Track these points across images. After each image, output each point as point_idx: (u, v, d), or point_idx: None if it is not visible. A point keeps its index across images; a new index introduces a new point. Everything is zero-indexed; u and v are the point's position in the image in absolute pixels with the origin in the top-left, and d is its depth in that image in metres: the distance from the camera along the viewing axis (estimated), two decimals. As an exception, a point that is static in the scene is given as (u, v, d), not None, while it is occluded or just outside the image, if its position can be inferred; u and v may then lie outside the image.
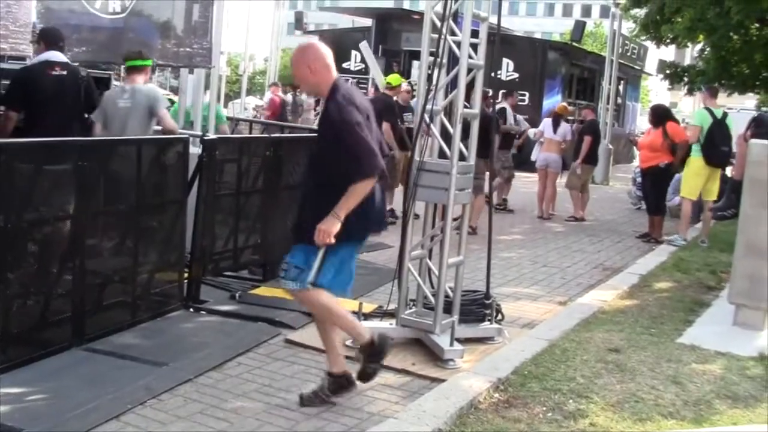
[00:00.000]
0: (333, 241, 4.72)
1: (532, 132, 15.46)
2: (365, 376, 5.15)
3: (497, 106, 15.23)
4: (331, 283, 4.95)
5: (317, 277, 4.86)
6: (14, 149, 5.48)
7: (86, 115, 7.58)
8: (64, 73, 7.41)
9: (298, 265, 4.89)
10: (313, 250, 4.83)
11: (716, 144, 11.51)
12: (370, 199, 4.87)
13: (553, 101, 25.71)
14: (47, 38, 7.63)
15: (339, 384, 5.10)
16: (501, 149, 14.96)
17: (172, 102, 12.47)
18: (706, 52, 19.49)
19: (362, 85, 26.38)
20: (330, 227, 4.70)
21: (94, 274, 6.07)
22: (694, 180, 11.62)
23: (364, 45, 22.78)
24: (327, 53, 4.97)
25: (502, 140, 14.90)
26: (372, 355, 5.11)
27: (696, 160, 11.48)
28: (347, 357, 5.30)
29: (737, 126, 12.04)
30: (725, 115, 11.63)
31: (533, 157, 15.33)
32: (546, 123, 15.01)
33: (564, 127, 14.74)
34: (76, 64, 8.10)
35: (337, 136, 4.78)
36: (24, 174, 5.36)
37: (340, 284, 5.06)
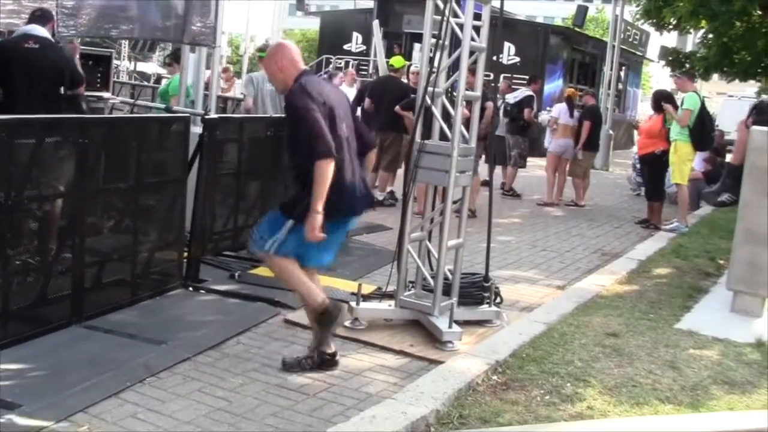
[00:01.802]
0: (323, 235, 4.94)
1: (544, 119, 15.27)
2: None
3: (523, 94, 15.22)
4: (297, 252, 5.17)
5: (279, 247, 5.11)
6: (14, 125, 5.47)
7: (63, 90, 7.37)
8: (36, 46, 7.18)
9: (262, 234, 5.20)
10: (280, 221, 5.13)
11: (707, 129, 11.55)
12: (337, 181, 5.01)
13: (554, 86, 25.72)
14: (31, 14, 7.58)
15: (323, 360, 5.29)
16: (519, 136, 14.93)
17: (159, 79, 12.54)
18: (708, 39, 19.43)
19: (363, 67, 26.36)
20: (313, 223, 4.91)
21: (94, 252, 6.07)
22: (686, 165, 11.66)
23: (376, 24, 22.77)
24: (294, 51, 5.29)
25: (520, 127, 14.88)
26: (322, 320, 5.21)
27: (684, 145, 11.46)
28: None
29: (737, 113, 12.07)
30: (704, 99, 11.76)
31: (546, 143, 15.20)
32: (560, 108, 14.70)
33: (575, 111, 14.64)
34: (72, 39, 8.05)
35: (293, 121, 5.12)
36: (24, 151, 5.35)
37: (315, 257, 5.32)
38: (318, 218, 4.89)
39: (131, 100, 10.35)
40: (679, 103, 11.87)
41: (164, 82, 11.98)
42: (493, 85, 12.33)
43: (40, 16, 7.51)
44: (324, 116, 4.97)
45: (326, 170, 4.89)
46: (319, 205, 4.88)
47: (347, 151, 5.16)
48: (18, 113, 6.23)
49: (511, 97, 15.22)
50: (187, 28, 8.80)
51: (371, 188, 5.74)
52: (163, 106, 9.70)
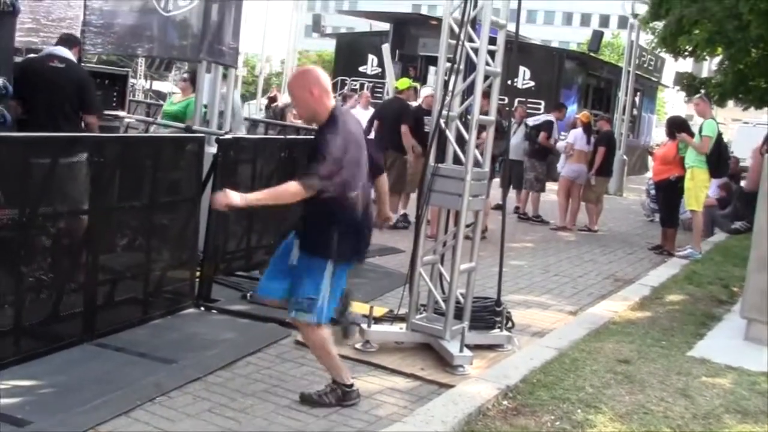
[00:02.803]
0: (223, 206, 4.67)
1: (560, 145, 15.21)
2: (307, 397, 5.13)
3: (543, 118, 15.22)
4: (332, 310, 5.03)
5: (329, 308, 4.94)
6: (29, 143, 5.51)
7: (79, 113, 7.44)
8: (62, 65, 7.30)
9: (309, 294, 4.88)
10: (317, 269, 4.87)
11: (723, 156, 11.54)
12: (355, 226, 4.93)
13: (570, 111, 25.71)
14: (60, 38, 7.75)
15: (343, 392, 5.12)
16: (536, 159, 14.89)
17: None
18: (724, 65, 19.43)
19: (378, 89, 26.44)
20: (228, 197, 4.61)
21: (107, 270, 6.09)
22: (702, 192, 11.64)
23: (386, 47, 22.85)
24: (327, 79, 4.99)
25: (536, 151, 14.84)
26: (340, 397, 5.09)
27: (701, 172, 11.42)
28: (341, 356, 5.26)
29: (752, 140, 12.06)
30: None
31: (559, 168, 15.16)
32: (576, 134, 14.56)
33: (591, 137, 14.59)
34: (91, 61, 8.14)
35: (318, 152, 4.77)
36: (39, 169, 5.38)
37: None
38: (236, 200, 4.62)
39: (150, 119, 10.37)
40: (696, 129, 11.85)
41: (169, 100, 11.98)
42: (507, 109, 12.31)
43: (66, 40, 7.70)
44: (352, 163, 4.83)
45: (291, 195, 4.70)
46: (250, 198, 4.71)
47: (363, 199, 4.99)
48: (37, 130, 6.30)
49: (532, 120, 15.24)
50: (204, 47, 8.85)
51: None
52: (183, 125, 9.74)
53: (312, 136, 5.17)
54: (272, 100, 26.12)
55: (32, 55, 8.14)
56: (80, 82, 7.41)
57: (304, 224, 5.00)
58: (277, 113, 21.37)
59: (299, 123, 13.13)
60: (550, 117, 15.21)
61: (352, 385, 5.09)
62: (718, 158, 11.48)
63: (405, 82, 13.20)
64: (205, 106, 9.55)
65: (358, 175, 4.93)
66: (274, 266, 5.14)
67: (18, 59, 7.53)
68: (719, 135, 11.52)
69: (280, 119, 19.83)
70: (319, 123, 4.92)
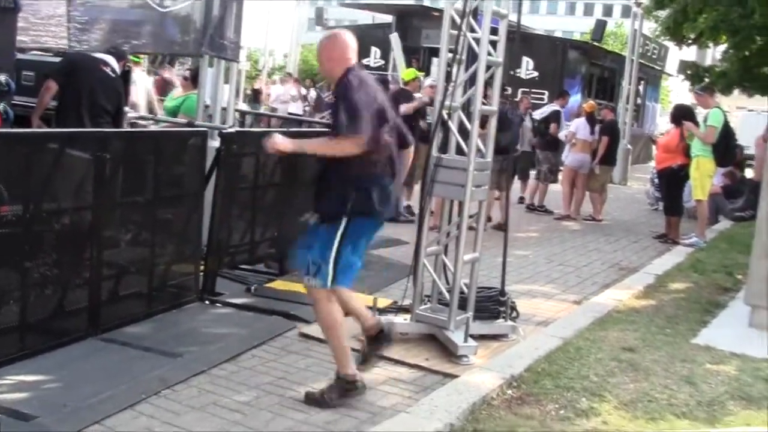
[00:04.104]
0: (276, 148, 4.83)
1: (562, 134, 15.19)
2: (313, 398, 5.03)
3: (550, 109, 15.20)
4: (350, 276, 5.01)
5: (337, 273, 4.88)
6: (35, 139, 5.53)
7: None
8: (113, 75, 7.79)
9: (315, 260, 4.90)
10: (330, 233, 4.86)
11: (730, 145, 11.50)
12: (374, 180, 4.88)
13: (573, 100, 25.66)
14: (109, 48, 8.26)
15: (346, 389, 5.05)
16: (549, 151, 14.88)
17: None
18: (728, 53, 19.35)
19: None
20: (284, 141, 4.83)
21: (111, 265, 6.10)
22: (708, 181, 11.63)
23: (394, 36, 22.81)
24: (348, 43, 5.01)
25: (548, 143, 14.83)
26: (343, 392, 5.01)
27: (706, 161, 11.40)
28: (353, 349, 5.25)
29: (757, 128, 12.03)
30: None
31: (563, 158, 15.12)
32: (579, 123, 14.50)
33: (596, 126, 14.57)
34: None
35: (338, 110, 4.81)
36: (43, 164, 5.39)
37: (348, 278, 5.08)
38: (290, 146, 4.82)
39: (150, 116, 10.35)
40: (701, 119, 11.82)
41: (170, 95, 11.97)
42: (509, 100, 12.25)
43: (115, 53, 8.11)
44: (372, 117, 4.78)
45: (346, 148, 4.70)
46: (306, 146, 4.85)
47: (390, 157, 4.98)
48: (61, 126, 6.44)
49: (539, 113, 15.22)
50: (205, 41, 8.85)
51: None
52: (184, 120, 9.74)
53: (315, 129, 5.18)
54: (258, 92, 26.26)
55: (81, 53, 8.36)
56: (121, 97, 7.96)
57: (318, 189, 5.03)
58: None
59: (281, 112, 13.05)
60: (555, 106, 15.18)
61: (355, 377, 5.02)
62: (726, 147, 11.45)
63: (410, 73, 13.16)
64: (207, 106, 9.54)
65: (379, 132, 4.86)
66: (308, 236, 5.11)
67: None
68: (726, 123, 11.47)
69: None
70: (334, 79, 5.04)
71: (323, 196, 4.98)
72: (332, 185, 4.91)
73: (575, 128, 14.46)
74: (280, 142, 4.84)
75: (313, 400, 4.99)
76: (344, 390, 5.01)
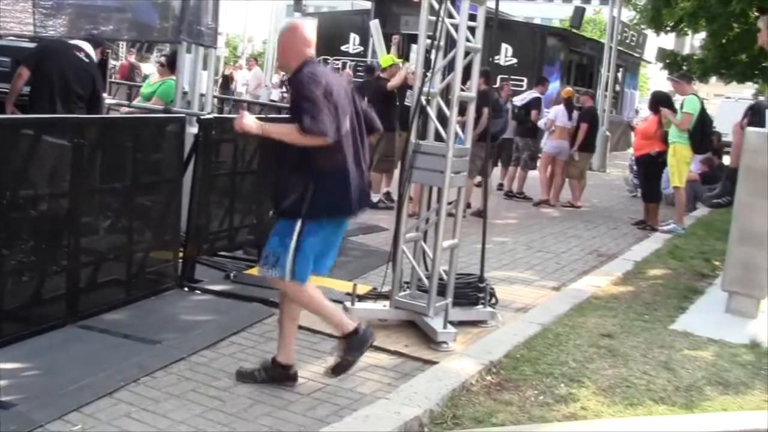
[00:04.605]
0: (242, 127, 4.80)
1: (542, 122, 15.20)
2: (339, 368, 5.03)
3: (530, 96, 15.20)
4: (309, 269, 4.90)
5: (297, 266, 4.80)
6: (10, 125, 5.48)
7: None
8: (87, 60, 7.75)
9: (274, 249, 4.86)
10: (288, 228, 4.80)
11: (706, 132, 11.58)
12: (336, 177, 4.81)
13: (552, 87, 25.70)
14: (86, 35, 8.29)
15: (278, 375, 5.06)
16: (529, 138, 14.91)
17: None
18: (706, 41, 19.46)
19: (360, 68, 26.35)
20: (249, 122, 4.81)
21: (89, 252, 6.06)
22: (684, 168, 11.68)
23: (374, 23, 22.75)
24: (306, 36, 4.96)
25: (528, 130, 14.86)
26: (351, 347, 4.98)
27: (683, 148, 11.47)
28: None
29: (734, 115, 12.08)
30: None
31: (542, 144, 15.13)
32: (558, 111, 14.53)
33: (574, 113, 14.61)
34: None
35: (295, 107, 4.79)
36: (20, 151, 5.35)
37: (322, 265, 5.03)
38: (254, 127, 4.77)
39: (126, 102, 10.29)
40: (678, 106, 11.88)
41: (147, 82, 11.90)
42: (488, 87, 12.22)
43: (92, 40, 8.14)
44: (331, 110, 4.70)
45: (306, 140, 4.64)
46: (268, 128, 4.78)
47: (351, 148, 4.88)
48: (34, 112, 6.40)
49: (519, 100, 15.22)
50: (184, 28, 8.80)
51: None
52: (161, 107, 9.70)
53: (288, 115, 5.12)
54: (228, 78, 26.02)
55: (55, 39, 8.32)
56: (96, 83, 7.87)
57: (274, 180, 4.99)
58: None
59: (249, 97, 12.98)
60: (535, 93, 15.20)
61: (357, 329, 4.95)
62: (702, 134, 11.52)
63: (388, 60, 13.09)
64: (185, 93, 9.50)
65: (340, 124, 4.78)
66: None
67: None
68: (703, 110, 11.53)
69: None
70: (289, 71, 5.04)
71: (279, 188, 4.91)
72: (290, 177, 4.83)
73: (554, 115, 14.49)
74: (246, 122, 4.79)
75: (241, 376, 5.06)
76: (360, 342, 4.97)
